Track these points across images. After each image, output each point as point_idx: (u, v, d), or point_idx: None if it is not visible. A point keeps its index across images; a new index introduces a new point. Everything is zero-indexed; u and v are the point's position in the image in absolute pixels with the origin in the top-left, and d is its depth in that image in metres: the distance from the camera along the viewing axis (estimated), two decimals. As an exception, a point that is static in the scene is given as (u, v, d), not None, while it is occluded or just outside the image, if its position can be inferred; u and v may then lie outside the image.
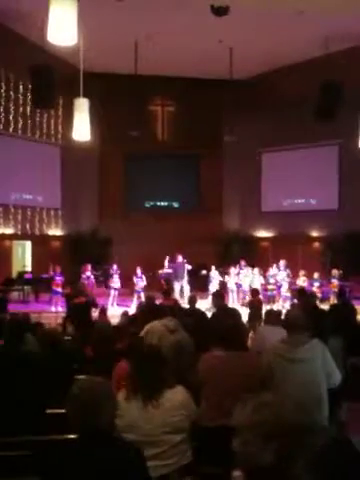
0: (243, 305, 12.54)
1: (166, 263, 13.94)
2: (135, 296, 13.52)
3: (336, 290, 11.52)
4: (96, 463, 1.91)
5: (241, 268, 14.24)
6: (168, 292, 8.12)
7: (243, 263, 14.36)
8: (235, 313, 5.84)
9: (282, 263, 13.81)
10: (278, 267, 13.84)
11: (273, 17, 12.56)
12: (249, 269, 14.18)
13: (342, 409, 3.12)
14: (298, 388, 3.23)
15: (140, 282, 13.73)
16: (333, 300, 12.06)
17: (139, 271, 13.80)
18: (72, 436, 2.57)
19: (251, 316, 8.83)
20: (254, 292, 10.09)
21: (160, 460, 2.54)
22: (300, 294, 9.32)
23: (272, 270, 13.93)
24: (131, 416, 2.58)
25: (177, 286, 13.12)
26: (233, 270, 14.17)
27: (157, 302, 7.11)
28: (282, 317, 5.55)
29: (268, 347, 3.65)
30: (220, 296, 7.07)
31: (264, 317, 6.03)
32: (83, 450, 1.96)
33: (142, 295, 13.28)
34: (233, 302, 13.57)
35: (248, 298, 12.86)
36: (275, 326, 5.32)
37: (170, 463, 2.56)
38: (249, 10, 12.16)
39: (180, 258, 13.57)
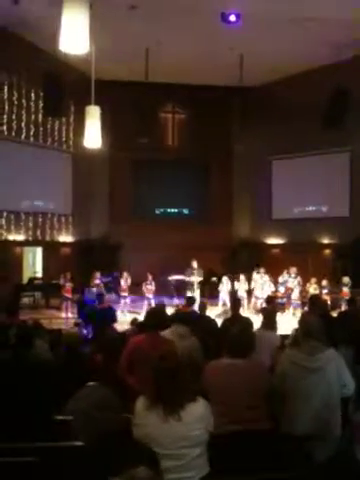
0: (257, 312, 12.43)
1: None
2: (145, 302, 13.52)
3: (347, 298, 11.43)
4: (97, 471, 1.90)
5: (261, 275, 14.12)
6: (191, 300, 8.16)
7: (262, 270, 14.21)
8: (246, 322, 5.83)
9: (293, 270, 13.72)
10: (289, 273, 13.75)
11: (283, 24, 12.59)
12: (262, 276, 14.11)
13: (354, 417, 3.09)
14: (312, 397, 3.21)
15: (150, 288, 13.73)
16: (344, 308, 11.96)
17: (150, 277, 13.80)
18: (79, 443, 2.57)
19: (265, 323, 8.76)
20: (269, 299, 10.06)
21: (179, 473, 2.49)
22: (312, 301, 9.26)
23: (283, 277, 13.85)
24: (150, 427, 2.53)
25: (190, 293, 13.07)
26: (255, 276, 14.05)
27: (173, 308, 7.15)
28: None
29: (283, 355, 3.63)
30: (235, 304, 7.04)
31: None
32: (85, 458, 1.95)
33: (152, 301, 13.29)
34: (243, 309, 13.50)
35: (260, 305, 12.81)
36: (272, 331, 5.37)
37: (189, 476, 2.51)
38: (259, 17, 12.20)
39: (194, 264, 13.45)
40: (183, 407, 2.54)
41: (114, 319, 8.27)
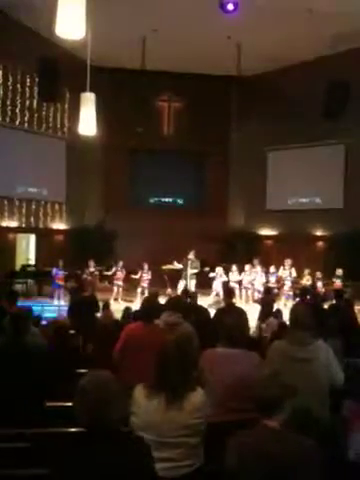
0: (255, 302, 12.48)
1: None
2: (139, 291, 13.55)
3: (335, 290, 11.49)
4: (100, 458, 1.91)
5: (253, 267, 14.16)
6: (187, 291, 8.17)
7: (256, 262, 14.25)
8: (240, 311, 5.86)
9: (287, 262, 13.75)
10: (284, 267, 13.78)
11: (282, 14, 12.52)
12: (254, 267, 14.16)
13: (344, 407, 3.12)
14: (300, 387, 3.22)
15: (146, 277, 13.75)
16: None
17: (146, 266, 13.82)
18: (73, 429, 2.58)
19: (262, 314, 8.84)
20: (267, 290, 10.13)
21: (177, 462, 2.50)
22: (304, 293, 9.33)
23: (273, 269, 13.89)
24: (151, 416, 2.52)
25: (182, 283, 13.09)
26: (248, 268, 14.10)
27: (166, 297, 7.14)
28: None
29: (271, 346, 3.65)
30: (228, 294, 7.05)
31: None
32: (88, 445, 1.96)
33: (146, 291, 13.32)
34: (235, 300, 13.53)
35: (257, 296, 12.90)
36: None
37: (187, 464, 2.52)
38: (258, 7, 12.12)
39: (190, 255, 13.47)
40: (184, 396, 2.55)
41: (96, 308, 8.03)
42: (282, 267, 13.82)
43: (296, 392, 2.33)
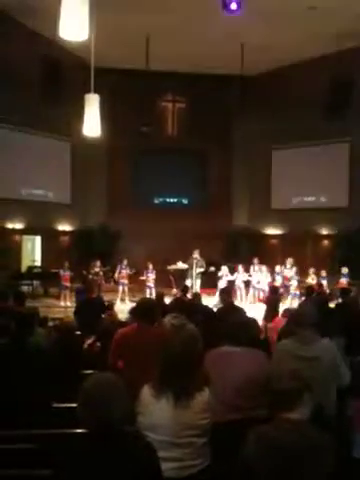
0: (260, 301, 12.46)
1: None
2: (146, 291, 13.57)
3: (342, 288, 11.45)
4: (104, 460, 1.92)
5: (253, 266, 14.14)
6: (186, 289, 8.17)
7: (256, 261, 14.24)
8: (240, 311, 5.85)
9: (289, 261, 13.72)
10: (285, 266, 13.76)
11: (285, 13, 12.50)
12: (259, 266, 14.13)
13: (348, 406, 3.12)
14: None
15: (151, 277, 13.77)
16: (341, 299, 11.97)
17: (151, 266, 13.85)
18: (78, 430, 2.59)
19: (268, 313, 8.83)
20: (273, 289, 10.08)
21: (185, 462, 2.49)
22: (309, 292, 9.30)
23: (278, 268, 13.87)
24: (158, 415, 2.50)
25: (188, 282, 13.10)
26: (252, 268, 14.08)
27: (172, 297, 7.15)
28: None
29: (278, 345, 3.65)
30: (228, 293, 7.05)
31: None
32: (93, 446, 1.97)
33: (153, 290, 13.34)
34: (241, 300, 13.54)
35: (263, 295, 12.87)
36: None
37: (195, 464, 2.51)
38: (261, 6, 12.10)
39: (195, 254, 13.48)
40: (192, 395, 2.53)
41: (102, 309, 8.03)
42: (283, 266, 13.78)
43: (311, 386, 2.33)
